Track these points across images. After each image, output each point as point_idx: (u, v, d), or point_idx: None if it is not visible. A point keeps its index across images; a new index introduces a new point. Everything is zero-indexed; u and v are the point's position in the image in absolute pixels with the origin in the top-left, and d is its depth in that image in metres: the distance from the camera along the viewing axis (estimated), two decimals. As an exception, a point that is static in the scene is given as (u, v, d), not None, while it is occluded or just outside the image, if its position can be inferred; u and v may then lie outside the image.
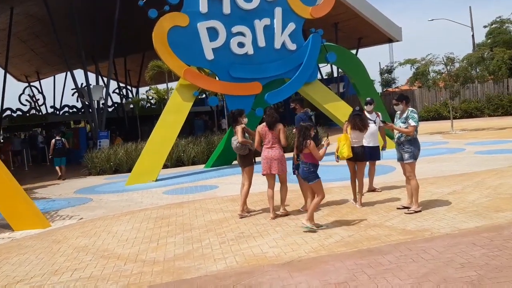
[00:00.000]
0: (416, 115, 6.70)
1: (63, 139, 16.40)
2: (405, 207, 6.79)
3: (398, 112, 6.89)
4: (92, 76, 26.88)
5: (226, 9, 13.43)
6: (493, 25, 30.62)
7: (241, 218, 7.11)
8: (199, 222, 7.08)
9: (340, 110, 15.08)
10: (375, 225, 6.08)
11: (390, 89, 41.99)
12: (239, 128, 7.35)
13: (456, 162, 11.15)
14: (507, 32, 31.07)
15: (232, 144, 7.38)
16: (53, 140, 16.12)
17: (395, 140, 6.85)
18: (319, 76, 39.71)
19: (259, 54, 13.90)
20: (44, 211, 9.49)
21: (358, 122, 7.31)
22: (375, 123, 8.21)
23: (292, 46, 14.34)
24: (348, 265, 4.64)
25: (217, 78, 14.04)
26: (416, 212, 6.52)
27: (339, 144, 7.13)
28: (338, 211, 7.05)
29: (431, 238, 5.28)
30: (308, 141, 6.07)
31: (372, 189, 8.41)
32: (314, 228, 6.01)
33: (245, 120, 7.59)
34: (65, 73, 40.15)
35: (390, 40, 33.71)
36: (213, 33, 13.24)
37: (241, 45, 13.63)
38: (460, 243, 5.00)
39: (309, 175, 6.17)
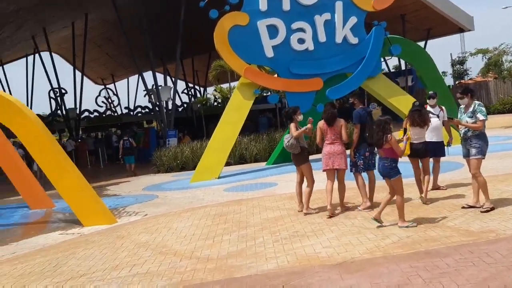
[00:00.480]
0: (484, 108, 6.33)
1: (130, 139, 17.30)
2: (470, 206, 6.43)
3: (463, 106, 6.53)
4: (161, 77, 27.97)
5: (286, 6, 13.37)
6: None
7: (306, 215, 7.08)
8: (255, 220, 7.12)
9: (406, 104, 14.43)
10: (436, 225, 5.80)
11: (463, 81, 39.88)
12: (292, 125, 7.31)
13: (532, 158, 10.38)
14: None
15: (284, 143, 7.35)
16: (122, 141, 17.30)
17: (461, 135, 6.50)
18: (385, 70, 38.68)
19: (319, 50, 13.71)
20: (113, 207, 10.02)
21: (417, 118, 7.04)
22: (438, 117, 7.82)
23: (353, 40, 14.01)
24: (403, 268, 4.46)
25: (277, 76, 14.02)
26: (490, 209, 6.14)
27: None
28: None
29: (495, 240, 4.95)
30: (389, 135, 5.94)
31: (436, 187, 8.02)
32: (412, 225, 5.84)
33: (300, 117, 7.52)
34: (137, 75, 42.06)
35: (461, 30, 31.93)
36: (273, 31, 13.24)
37: (301, 41, 13.52)
38: (528, 247, 4.65)
39: (390, 171, 6.00)
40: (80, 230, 8.20)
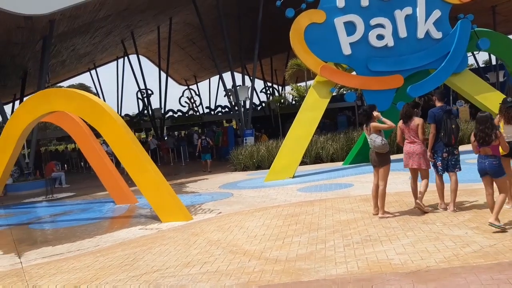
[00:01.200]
0: None
1: (207, 138, 18.75)
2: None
3: None
4: (240, 77, 28.46)
5: (364, 1, 12.96)
6: None
7: (381, 219, 6.84)
8: (327, 222, 6.98)
9: (495, 101, 13.40)
10: (525, 234, 5.32)
11: None
12: (374, 124, 7.04)
13: None
14: None
15: (374, 143, 6.93)
16: (199, 140, 18.72)
17: None
18: (474, 65, 36.33)
19: (400, 46, 13.15)
20: (190, 204, 10.34)
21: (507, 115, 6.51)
22: None
23: (437, 35, 13.26)
24: (483, 279, 4.13)
25: (354, 73, 13.66)
26: None
27: None
28: (482, 216, 6.32)
29: None
30: (498, 131, 5.77)
31: None
32: (503, 227, 5.52)
33: (378, 115, 7.23)
34: (218, 75, 43.22)
35: (563, 20, 29.15)
36: (350, 27, 12.91)
37: (380, 37, 13.05)
38: None
39: (499, 169, 5.73)
40: (158, 226, 8.54)
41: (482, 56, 37.87)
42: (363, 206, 7.87)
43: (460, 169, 7.01)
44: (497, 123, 6.66)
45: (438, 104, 7.19)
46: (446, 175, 6.99)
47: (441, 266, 4.62)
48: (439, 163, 6.97)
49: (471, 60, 36.78)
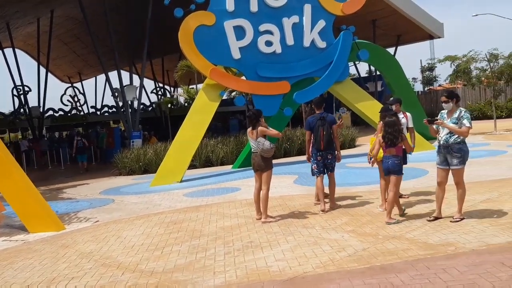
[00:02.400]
0: (469, 116, 6.06)
1: (83, 139, 19.20)
2: (436, 218, 6.16)
3: (446, 111, 6.15)
4: (134, 77, 27.24)
5: (254, 7, 13.09)
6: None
7: (264, 223, 6.79)
8: (210, 229, 6.77)
9: (373, 109, 14.40)
10: (395, 236, 5.58)
11: (432, 88, 40.54)
12: (262, 128, 6.98)
13: (496, 165, 10.36)
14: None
15: (263, 146, 6.83)
16: (75, 141, 18.80)
17: (441, 142, 6.10)
18: (357, 75, 38.91)
19: (287, 53, 13.49)
20: (65, 212, 9.51)
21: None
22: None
23: (322, 44, 13.85)
24: (356, 285, 4.20)
25: (244, 78, 13.71)
26: (461, 219, 5.97)
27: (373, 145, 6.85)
28: (358, 220, 6.57)
29: (454, 255, 4.74)
30: (403, 135, 6.39)
31: (399, 196, 7.80)
32: (398, 221, 6.23)
33: (261, 122, 7.22)
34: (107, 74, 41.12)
35: (431, 37, 32.39)
36: (240, 32, 12.93)
37: (268, 43, 13.26)
38: (486, 262, 4.44)
39: (399, 167, 6.33)
40: (25, 237, 7.67)
41: (364, 67, 40.69)
42: (248, 211, 7.80)
43: (332, 171, 7.52)
44: (379, 130, 6.94)
45: (317, 111, 7.53)
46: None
47: (317, 271, 4.64)
48: (314, 166, 7.47)
49: (353, 70, 39.29)
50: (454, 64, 19.79)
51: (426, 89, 40.15)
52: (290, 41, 13.47)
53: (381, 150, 6.60)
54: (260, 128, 6.99)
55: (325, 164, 7.42)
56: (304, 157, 8.73)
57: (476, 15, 35.22)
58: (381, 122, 7.00)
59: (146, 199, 10.20)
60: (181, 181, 12.44)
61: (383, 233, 5.78)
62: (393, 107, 7.69)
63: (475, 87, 21.81)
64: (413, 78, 41.78)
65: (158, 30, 26.38)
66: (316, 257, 5.07)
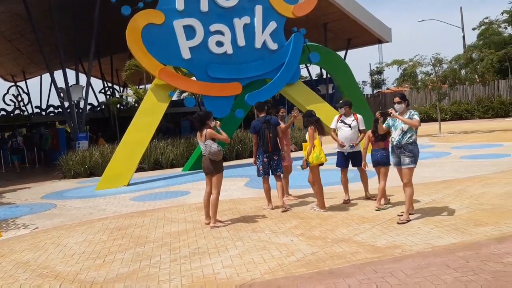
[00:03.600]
0: (418, 114, 6.35)
1: (18, 140, 19.77)
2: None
3: (397, 113, 6.30)
4: (81, 76, 26.21)
5: (204, 6, 12.88)
6: (482, 27, 30.25)
7: (213, 228, 6.60)
8: (156, 235, 6.52)
9: (323, 111, 14.52)
10: (343, 239, 5.56)
11: (381, 91, 41.68)
12: (210, 131, 6.81)
13: (440, 167, 10.68)
14: (498, 33, 30.72)
15: (210, 149, 6.68)
16: (10, 141, 19.29)
17: (394, 143, 6.31)
18: (308, 77, 39.37)
19: (238, 54, 13.37)
20: (2, 218, 8.95)
21: (319, 127, 7.16)
22: (350, 127, 7.65)
23: (273, 46, 13.82)
24: (304, 291, 4.11)
25: (194, 78, 13.46)
26: (407, 221, 6.07)
27: (313, 149, 6.79)
28: (307, 223, 6.53)
29: (400, 258, 4.76)
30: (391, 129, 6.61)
31: (368, 197, 7.80)
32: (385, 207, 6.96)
33: (213, 123, 7.04)
34: (52, 72, 39.48)
35: (379, 41, 33.26)
36: (190, 32, 12.69)
37: (219, 44, 13.09)
38: (431, 264, 4.48)
39: (387, 159, 6.94)
40: (-45, 246, 7.11)
41: (315, 69, 41.24)
42: (196, 216, 7.60)
43: (282, 173, 7.72)
44: (311, 137, 7.02)
45: (260, 115, 7.76)
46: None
47: (265, 278, 4.52)
48: (260, 167, 7.58)
49: (305, 73, 39.77)
50: (401, 68, 20.39)
51: (375, 92, 41.23)
52: (241, 42, 13.35)
53: (323, 153, 7.06)
54: (209, 130, 6.82)
55: (270, 166, 7.61)
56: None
57: (422, 20, 36.55)
58: (311, 127, 6.97)
59: (91, 203, 9.77)
60: (128, 185, 12.03)
61: (331, 236, 5.76)
62: (343, 110, 7.74)
63: (421, 90, 22.58)
64: (363, 81, 42.82)
65: (107, 28, 25.56)
66: (264, 262, 4.96)
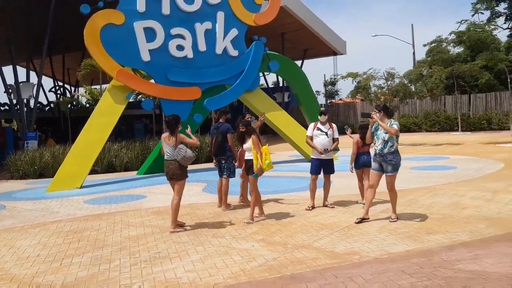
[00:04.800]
0: (398, 124, 6.77)
1: None
2: (363, 219, 6.73)
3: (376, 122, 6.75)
4: (31, 73, 25.21)
5: (166, 9, 12.82)
6: (433, 44, 31.74)
7: (172, 233, 6.55)
8: (114, 239, 6.41)
9: (281, 119, 14.84)
10: (303, 245, 5.69)
11: (334, 101, 42.70)
12: (182, 136, 6.78)
13: (392, 177, 11.07)
14: (446, 51, 32.30)
15: (185, 153, 6.60)
16: None
17: (377, 151, 6.73)
18: (265, 85, 39.79)
19: (199, 59, 13.38)
20: None
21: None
22: (327, 135, 7.80)
23: (234, 53, 13.94)
24: (267, 295, 4.18)
25: (153, 81, 13.33)
26: (397, 219, 6.70)
27: (262, 157, 6.90)
28: (268, 229, 6.62)
29: (359, 264, 4.94)
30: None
31: (325, 205, 7.99)
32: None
33: (180, 127, 7.03)
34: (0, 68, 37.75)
35: (334, 53, 34.17)
36: (150, 34, 12.58)
37: (180, 48, 13.05)
38: (388, 270, 4.68)
39: (370, 161, 7.39)
40: None
41: (271, 77, 41.71)
42: (154, 220, 7.52)
43: (228, 176, 8.12)
44: (257, 143, 7.13)
45: (220, 120, 8.43)
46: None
47: (228, 282, 4.56)
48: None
49: (262, 80, 40.18)
50: (355, 81, 21.02)
51: (328, 102, 42.18)
52: (202, 47, 13.38)
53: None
54: (181, 135, 6.78)
55: (220, 168, 8.15)
56: (212, 164, 8.87)
57: (376, 35, 37.84)
58: (255, 135, 7.05)
59: (42, 205, 9.43)
60: (81, 187, 11.70)
61: (292, 242, 5.87)
62: (325, 117, 7.86)
63: (373, 102, 23.35)
64: (317, 91, 43.68)
65: (61, 25, 24.79)
66: (227, 267, 4.99)
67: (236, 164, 8.11)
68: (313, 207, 7.83)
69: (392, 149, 6.62)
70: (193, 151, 8.95)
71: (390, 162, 6.65)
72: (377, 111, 6.76)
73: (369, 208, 6.89)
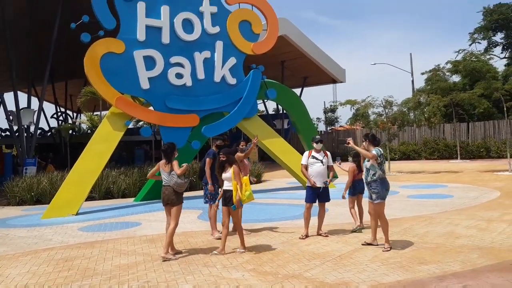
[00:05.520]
0: (379, 150, 6.86)
1: None
2: (370, 244, 7.00)
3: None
4: (32, 99, 25.42)
5: (165, 39, 13.06)
6: (431, 73, 32.08)
7: (164, 261, 6.52)
8: (105, 267, 6.37)
9: (278, 146, 14.90)
10: (294, 275, 5.65)
11: (334, 128, 42.84)
12: (176, 163, 6.87)
13: (388, 205, 10.85)
14: (445, 79, 32.60)
15: (178, 180, 6.78)
16: None
17: (364, 180, 7.09)
18: (265, 112, 40.02)
19: (197, 86, 13.55)
20: None
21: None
22: (322, 163, 7.81)
23: (232, 81, 14.12)
24: (253, 327, 4.14)
25: (151, 108, 13.45)
26: (389, 249, 6.67)
27: (242, 188, 6.81)
28: (259, 258, 6.57)
29: (348, 294, 4.90)
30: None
31: (319, 233, 7.95)
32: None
33: (176, 154, 7.15)
34: (2, 94, 38.07)
35: (334, 81, 34.50)
36: (150, 62, 12.79)
37: (179, 76, 13.24)
38: (377, 301, 4.63)
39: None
40: None
41: (272, 104, 42.05)
42: (147, 248, 7.49)
43: (205, 202, 8.32)
44: (239, 174, 6.99)
45: (212, 148, 8.66)
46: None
47: (216, 313, 4.52)
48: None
49: (262, 107, 40.47)
50: (354, 108, 21.17)
51: (328, 129, 42.33)
52: (201, 75, 13.56)
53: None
54: (173, 162, 6.89)
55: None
56: None
57: (375, 63, 38.31)
58: (236, 165, 7.00)
59: (36, 232, 9.40)
60: (77, 214, 11.67)
61: (282, 272, 5.83)
62: (320, 145, 7.87)
63: (372, 130, 23.45)
64: (317, 118, 43.94)
65: (63, 53, 25.17)
66: (215, 297, 4.95)
67: (209, 187, 8.17)
68: (306, 236, 7.79)
69: (375, 177, 6.76)
70: (188, 178, 9.09)
71: (374, 190, 6.82)
72: (365, 140, 7.02)
73: (376, 233, 7.03)
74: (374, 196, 6.81)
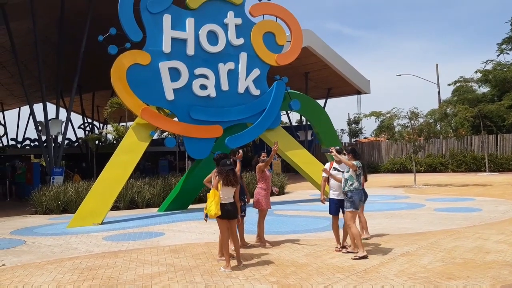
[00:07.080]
0: (359, 163, 7.35)
1: None
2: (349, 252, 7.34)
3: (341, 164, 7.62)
4: (61, 110, 26.00)
5: (190, 50, 13.19)
6: (457, 84, 31.53)
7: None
8: (128, 277, 6.39)
9: (301, 157, 14.83)
10: (318, 289, 5.55)
11: (359, 140, 42.45)
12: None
13: (414, 218, 10.82)
14: (472, 90, 31.99)
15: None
16: None
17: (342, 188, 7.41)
18: (288, 123, 39.97)
19: (221, 98, 13.61)
20: (-32, 253, 8.61)
21: (231, 178, 6.72)
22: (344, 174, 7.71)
23: (255, 92, 14.14)
24: None
25: (176, 119, 13.56)
26: (362, 258, 6.89)
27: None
28: (283, 270, 6.49)
29: (373, 310, 4.77)
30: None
31: (343, 246, 7.76)
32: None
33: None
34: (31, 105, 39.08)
35: (358, 92, 34.22)
36: (175, 74, 12.92)
37: (203, 87, 13.33)
38: (404, 317, 4.50)
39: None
40: None
41: (295, 116, 42.00)
42: (169, 258, 7.49)
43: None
44: (215, 185, 6.82)
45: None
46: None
47: (238, 326, 4.46)
48: None
49: (285, 119, 40.44)
50: (378, 120, 20.91)
51: (352, 140, 41.98)
52: (225, 86, 13.62)
53: (214, 206, 6.56)
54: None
55: None
56: None
57: (400, 75, 37.86)
58: (216, 177, 6.87)
59: (62, 241, 9.53)
60: (102, 223, 11.80)
61: (306, 285, 5.74)
62: (347, 156, 7.75)
63: (398, 142, 23.11)
64: (341, 129, 43.68)
65: (91, 65, 25.73)
66: (238, 310, 4.90)
67: None
68: (343, 247, 7.64)
69: (352, 188, 7.16)
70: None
71: (349, 199, 7.18)
72: (346, 154, 7.53)
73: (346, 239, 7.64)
74: (348, 204, 7.17)
